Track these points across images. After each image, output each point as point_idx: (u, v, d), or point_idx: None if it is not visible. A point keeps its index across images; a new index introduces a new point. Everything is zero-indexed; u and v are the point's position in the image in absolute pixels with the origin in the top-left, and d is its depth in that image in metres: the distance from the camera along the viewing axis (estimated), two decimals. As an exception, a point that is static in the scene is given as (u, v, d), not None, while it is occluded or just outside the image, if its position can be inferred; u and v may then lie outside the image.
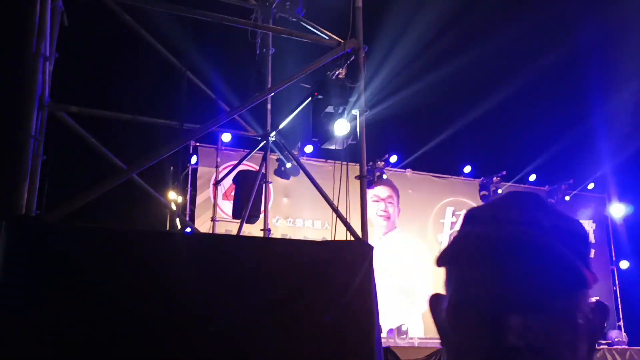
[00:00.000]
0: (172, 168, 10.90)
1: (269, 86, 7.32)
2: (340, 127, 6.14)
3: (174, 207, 8.55)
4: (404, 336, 11.05)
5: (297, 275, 4.69)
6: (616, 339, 11.89)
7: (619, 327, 13.23)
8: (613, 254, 13.88)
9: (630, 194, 13.47)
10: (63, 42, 5.98)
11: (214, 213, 8.63)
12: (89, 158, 6.32)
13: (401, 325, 11.12)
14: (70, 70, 6.66)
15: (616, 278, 13.73)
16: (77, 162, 6.64)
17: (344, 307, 4.75)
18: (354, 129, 6.10)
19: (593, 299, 0.81)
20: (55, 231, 4.51)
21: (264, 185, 7.74)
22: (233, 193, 8.70)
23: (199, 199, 10.42)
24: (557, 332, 0.74)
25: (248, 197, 7.63)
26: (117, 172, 5.26)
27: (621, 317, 13.44)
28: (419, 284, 12.08)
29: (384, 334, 10.99)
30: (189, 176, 10.41)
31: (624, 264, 13.73)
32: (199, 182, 10.48)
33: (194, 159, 10.51)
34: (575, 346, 0.76)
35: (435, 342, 11.51)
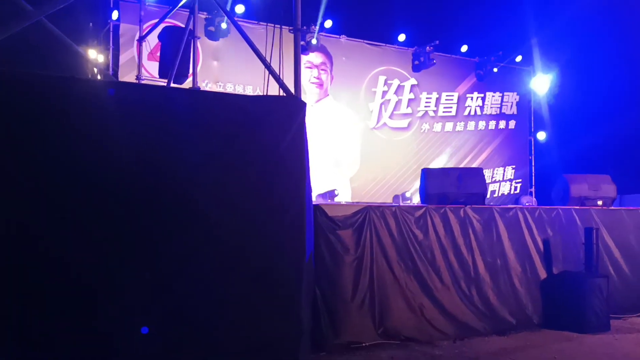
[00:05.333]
0: (91, 24, 10.14)
1: None
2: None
3: (99, 60, 8.02)
4: (331, 200, 11.44)
5: (229, 128, 4.60)
6: (527, 203, 12.85)
7: (530, 193, 14.28)
8: (532, 126, 14.58)
9: (554, 67, 13.87)
10: None
11: (139, 72, 8.19)
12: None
13: (331, 190, 11.47)
14: None
15: (533, 148, 14.55)
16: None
17: (276, 160, 4.75)
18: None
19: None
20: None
21: (191, 42, 7.33)
22: (159, 53, 8.23)
23: (123, 59, 9.82)
24: None
25: (175, 54, 7.25)
26: (24, 15, 4.75)
27: (533, 184, 14.45)
28: (348, 151, 12.33)
29: (314, 199, 11.32)
30: (111, 33, 9.72)
31: (541, 135, 14.50)
32: (121, 40, 9.81)
33: (115, 15, 9.76)
34: None
35: (362, 204, 12.03)
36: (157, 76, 8.04)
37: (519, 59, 14.00)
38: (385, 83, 12.74)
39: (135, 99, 4.47)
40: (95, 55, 9.71)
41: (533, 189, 14.43)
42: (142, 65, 8.47)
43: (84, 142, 4.31)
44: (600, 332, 6.80)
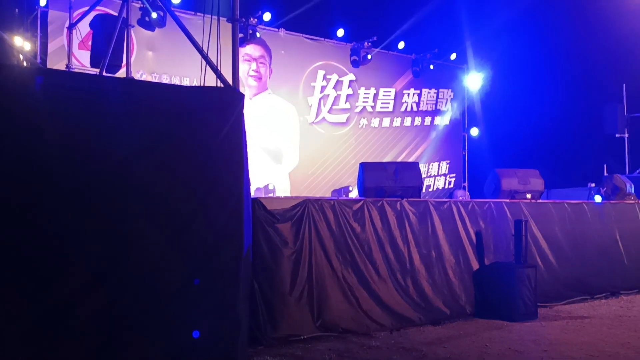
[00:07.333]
0: (17, 10, 9.66)
1: None
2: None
3: (25, 48, 7.63)
4: (271, 194, 11.41)
5: (165, 119, 4.47)
6: (460, 198, 13.24)
7: (464, 187, 14.72)
8: (466, 122, 15.03)
9: (487, 66, 14.34)
10: None
11: (69, 61, 7.86)
12: None
13: (268, 184, 11.42)
14: None
15: (466, 144, 15.00)
16: None
17: (213, 153, 4.67)
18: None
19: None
20: None
21: (125, 31, 7.10)
22: (91, 42, 7.94)
23: (51, 47, 9.38)
24: None
25: (108, 43, 7.00)
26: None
27: (467, 178, 14.90)
28: (287, 145, 12.31)
29: (252, 193, 11.24)
30: (38, 20, 9.26)
31: (474, 131, 14.98)
32: (50, 28, 9.36)
33: (42, 1, 9.31)
34: None
35: (301, 198, 12.04)
36: (89, 65, 7.77)
37: (453, 56, 14.40)
38: (324, 78, 12.79)
39: (65, 88, 4.28)
40: (21, 42, 9.27)
41: (466, 183, 14.88)
42: (72, 53, 8.15)
43: (9, 133, 4.10)
44: (529, 320, 7.08)
